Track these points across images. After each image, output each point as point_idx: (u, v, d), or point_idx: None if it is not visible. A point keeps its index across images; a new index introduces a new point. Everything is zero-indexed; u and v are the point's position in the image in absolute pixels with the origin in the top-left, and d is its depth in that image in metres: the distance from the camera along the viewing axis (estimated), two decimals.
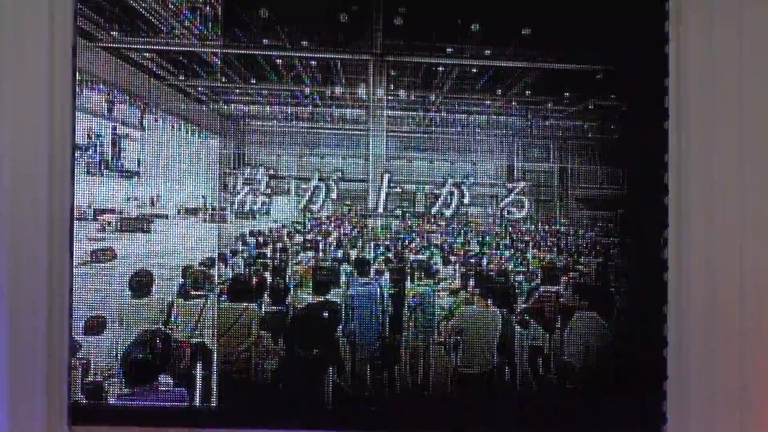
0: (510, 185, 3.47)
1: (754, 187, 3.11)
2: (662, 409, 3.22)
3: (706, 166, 3.14)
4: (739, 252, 3.10)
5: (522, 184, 3.50)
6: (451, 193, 3.44)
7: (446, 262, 3.43)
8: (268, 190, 3.41)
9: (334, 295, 3.36)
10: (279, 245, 3.41)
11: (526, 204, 3.51)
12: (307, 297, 3.33)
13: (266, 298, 3.34)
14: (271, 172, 3.40)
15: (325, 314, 3.34)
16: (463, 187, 3.44)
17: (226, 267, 3.33)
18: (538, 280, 3.44)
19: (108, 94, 3.29)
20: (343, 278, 3.38)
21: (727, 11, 3.13)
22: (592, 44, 3.31)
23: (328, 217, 3.42)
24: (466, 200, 3.44)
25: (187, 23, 3.22)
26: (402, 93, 3.44)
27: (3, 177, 2.92)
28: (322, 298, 3.37)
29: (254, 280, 3.38)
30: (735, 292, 3.09)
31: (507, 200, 3.46)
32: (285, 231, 3.44)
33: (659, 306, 3.21)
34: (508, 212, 3.51)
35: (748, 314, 3.08)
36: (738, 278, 3.09)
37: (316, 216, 3.40)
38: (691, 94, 3.17)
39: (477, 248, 3.44)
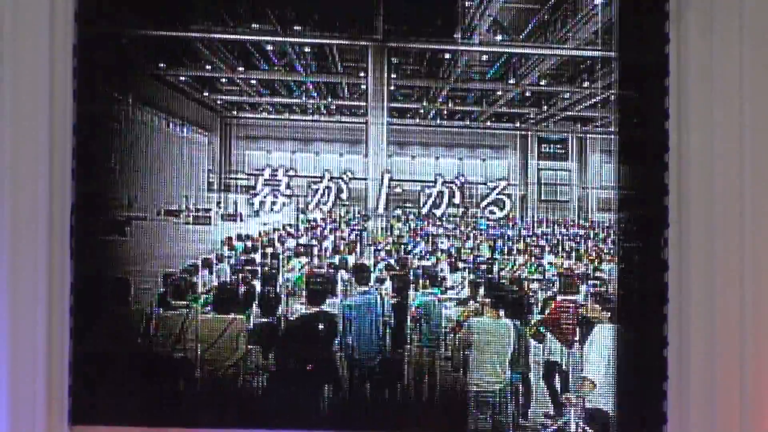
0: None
1: (754, 187, 3.13)
2: (662, 409, 3.21)
3: (706, 166, 3.14)
4: (739, 252, 3.11)
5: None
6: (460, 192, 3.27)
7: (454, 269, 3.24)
8: (259, 190, 3.11)
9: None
10: (269, 250, 3.10)
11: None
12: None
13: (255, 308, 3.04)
14: (263, 169, 3.10)
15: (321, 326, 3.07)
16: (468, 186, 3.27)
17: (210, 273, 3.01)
18: (548, 285, 3.33)
19: None
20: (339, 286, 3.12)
21: (727, 11, 3.14)
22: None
23: (323, 219, 3.14)
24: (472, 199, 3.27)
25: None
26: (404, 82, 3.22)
27: (3, 176, 2.84)
28: (316, 309, 3.10)
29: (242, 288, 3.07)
30: (735, 292, 3.11)
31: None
32: (276, 234, 3.13)
33: (659, 306, 3.20)
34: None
35: (748, 314, 3.11)
36: (738, 278, 3.11)
37: (310, 218, 3.12)
38: (691, 94, 3.16)
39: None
